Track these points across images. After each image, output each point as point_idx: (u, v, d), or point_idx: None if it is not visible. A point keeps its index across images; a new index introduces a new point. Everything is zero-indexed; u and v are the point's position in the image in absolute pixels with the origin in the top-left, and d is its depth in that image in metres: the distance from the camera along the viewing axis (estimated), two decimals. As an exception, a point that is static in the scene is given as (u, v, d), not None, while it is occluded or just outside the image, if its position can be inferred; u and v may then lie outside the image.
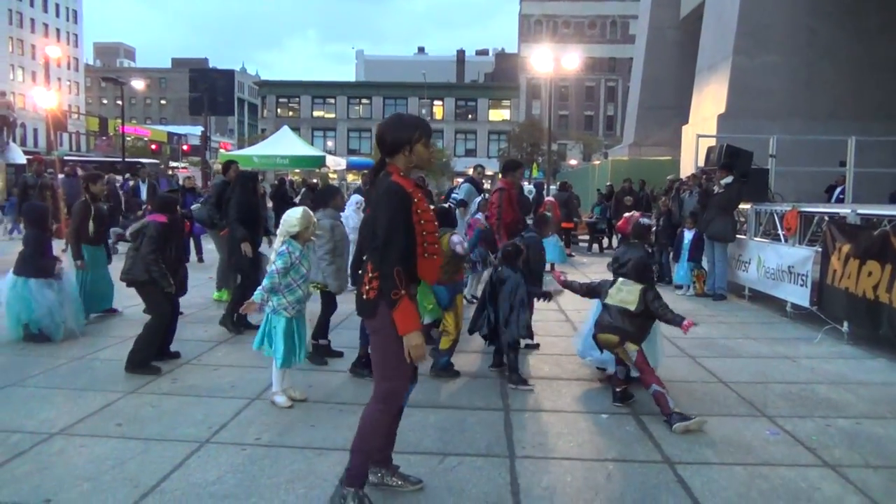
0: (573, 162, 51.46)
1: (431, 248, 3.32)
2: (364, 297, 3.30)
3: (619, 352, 5.04)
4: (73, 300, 6.84)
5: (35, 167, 12.10)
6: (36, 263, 6.57)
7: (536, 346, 6.73)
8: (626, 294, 5.05)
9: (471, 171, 10.59)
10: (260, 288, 4.99)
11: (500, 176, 8.62)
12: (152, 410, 4.80)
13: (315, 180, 19.78)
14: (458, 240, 5.88)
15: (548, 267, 13.10)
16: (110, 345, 6.57)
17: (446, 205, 7.96)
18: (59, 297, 6.58)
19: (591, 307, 5.90)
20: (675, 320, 4.89)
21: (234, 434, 4.40)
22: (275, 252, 5.04)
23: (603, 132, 65.04)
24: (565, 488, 3.74)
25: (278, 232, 5.10)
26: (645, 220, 5.62)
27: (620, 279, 5.16)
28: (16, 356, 6.11)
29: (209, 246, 11.54)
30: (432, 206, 6.59)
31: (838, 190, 14.16)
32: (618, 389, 5.18)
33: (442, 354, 5.82)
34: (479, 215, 8.55)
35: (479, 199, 9.15)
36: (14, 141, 24.87)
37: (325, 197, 6.39)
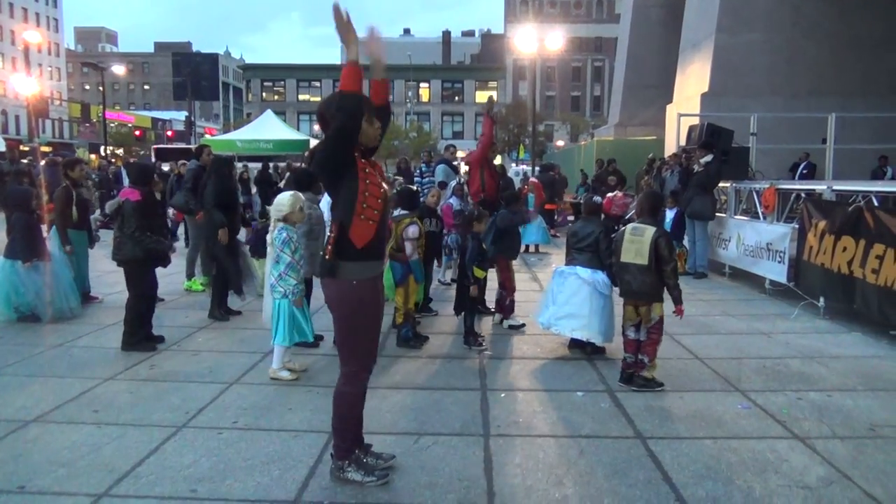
0: (560, 143, 51.37)
1: (369, 213, 3.26)
2: (325, 256, 3.30)
3: (641, 312, 4.98)
4: (66, 283, 6.96)
5: (10, 154, 11.99)
6: (24, 246, 6.69)
7: (522, 325, 6.82)
8: (640, 246, 4.90)
9: (446, 154, 10.47)
10: (291, 280, 5.11)
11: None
12: (130, 396, 4.81)
13: (300, 164, 19.68)
14: (413, 232, 5.96)
15: (531, 248, 13.27)
16: (89, 332, 6.55)
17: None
18: (47, 279, 6.71)
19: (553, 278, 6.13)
20: (675, 294, 4.89)
21: (211, 418, 4.42)
22: (272, 240, 5.10)
23: (590, 112, 64.97)
24: (538, 465, 3.79)
25: (272, 217, 5.20)
26: (596, 199, 6.16)
27: (631, 226, 5.09)
28: (-7, 345, 6.09)
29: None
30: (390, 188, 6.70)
31: (801, 166, 14.30)
32: (626, 371, 5.10)
33: (402, 327, 6.14)
34: (453, 199, 8.43)
35: (453, 182, 9.01)
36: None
37: (303, 180, 6.33)
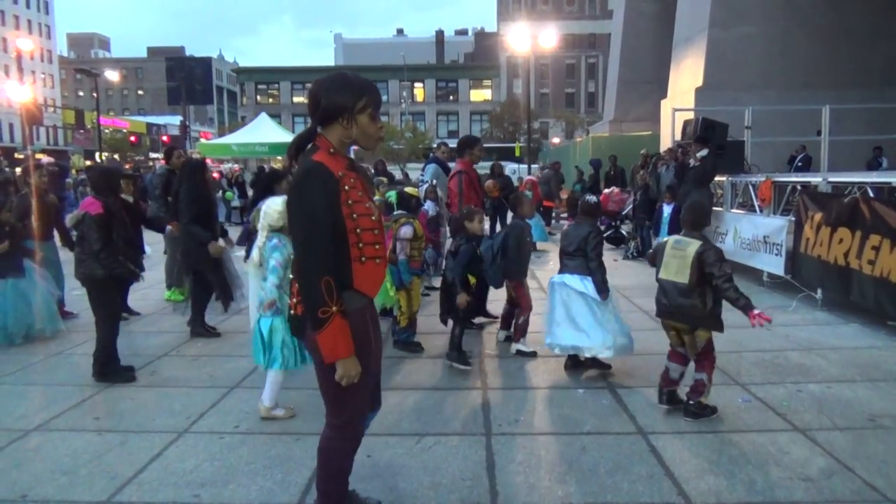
0: (556, 140, 51.43)
1: (370, 250, 2.57)
2: (292, 311, 2.68)
3: (686, 340, 4.42)
4: (40, 300, 6.50)
5: (25, 164, 11.93)
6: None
7: (532, 354, 5.91)
8: (682, 262, 4.27)
9: (437, 152, 9.60)
10: (271, 285, 4.38)
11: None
12: (130, 403, 4.81)
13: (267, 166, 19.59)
14: (406, 232, 5.76)
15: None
16: (88, 340, 6.50)
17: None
18: (27, 298, 6.33)
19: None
20: (742, 302, 4.09)
21: (213, 423, 4.42)
22: (259, 249, 4.51)
23: (584, 109, 65.00)
24: (540, 462, 3.80)
25: (259, 226, 4.57)
26: (591, 198, 5.57)
27: (673, 238, 4.50)
28: (-8, 354, 6.07)
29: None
30: (378, 197, 6.29)
31: (798, 159, 14.34)
32: (666, 388, 4.53)
33: (402, 331, 5.97)
34: (428, 205, 7.75)
35: (424, 185, 8.38)
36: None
37: (269, 182, 5.85)
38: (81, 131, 58.62)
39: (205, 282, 6.51)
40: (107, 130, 59.64)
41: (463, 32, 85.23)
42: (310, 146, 2.62)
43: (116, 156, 58.09)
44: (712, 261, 4.18)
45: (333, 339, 2.48)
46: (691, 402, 4.34)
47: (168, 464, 3.80)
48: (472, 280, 5.54)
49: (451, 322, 5.68)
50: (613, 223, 13.63)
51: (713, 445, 3.96)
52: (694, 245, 4.26)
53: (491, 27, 74.47)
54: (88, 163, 42.62)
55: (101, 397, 4.94)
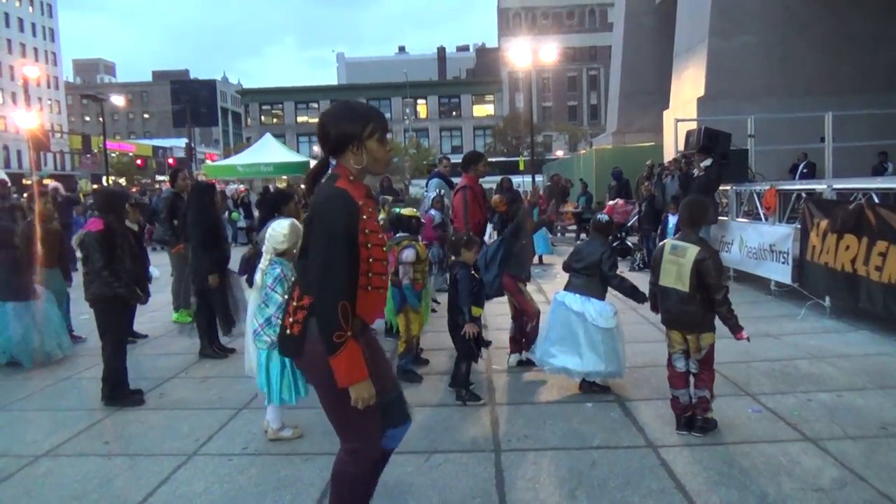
0: (559, 153, 51.52)
1: (377, 280, 2.61)
2: (287, 331, 2.63)
3: (690, 345, 4.31)
4: (54, 323, 6.62)
5: (1, 189, 12.04)
6: (10, 285, 6.38)
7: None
8: (680, 268, 4.21)
9: (440, 167, 9.68)
10: (267, 324, 4.32)
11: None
12: (139, 426, 4.81)
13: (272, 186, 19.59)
14: (409, 255, 5.59)
15: (535, 260, 13.26)
16: (97, 364, 6.51)
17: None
18: (35, 322, 6.38)
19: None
20: (731, 323, 4.17)
21: (221, 445, 4.42)
22: (263, 273, 4.39)
23: (587, 121, 65.17)
24: (549, 478, 3.78)
25: (264, 249, 4.50)
26: (603, 217, 5.45)
27: (670, 243, 4.42)
28: (1, 380, 6.09)
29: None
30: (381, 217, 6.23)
31: (801, 166, 14.31)
32: (683, 415, 4.35)
33: (401, 357, 5.76)
34: (433, 212, 7.80)
35: (432, 194, 8.38)
36: (-4, 164, 24.76)
37: (276, 203, 5.68)
38: (88, 156, 59.18)
39: (211, 304, 6.53)
40: (113, 154, 60.10)
41: (464, 49, 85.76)
42: (329, 174, 2.65)
43: (123, 179, 58.52)
44: (711, 271, 4.15)
45: (349, 364, 2.48)
46: (699, 419, 4.31)
47: (177, 487, 3.80)
48: (479, 311, 5.31)
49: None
50: (619, 235, 13.61)
51: (724, 457, 3.94)
52: (692, 251, 4.18)
53: (492, 43, 74.93)
54: (95, 187, 42.95)
55: (110, 421, 4.95)
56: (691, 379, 4.38)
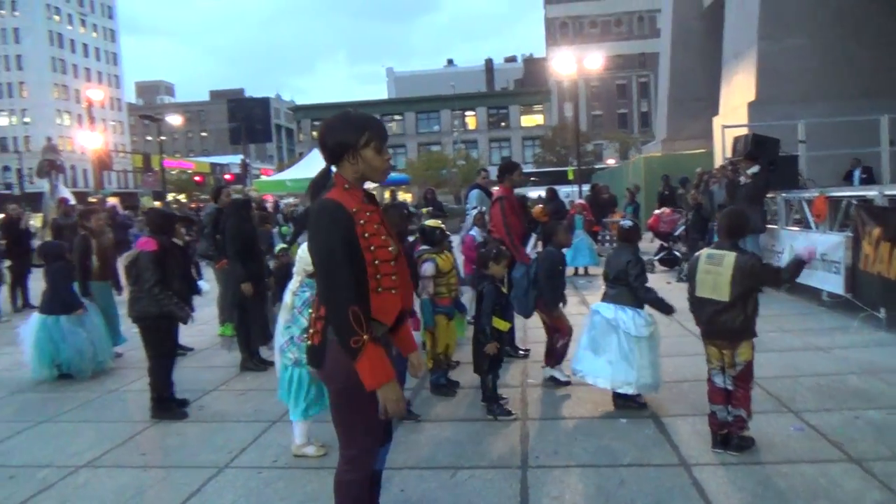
0: (610, 161, 50.87)
1: (387, 281, 2.64)
2: (309, 342, 2.72)
3: (726, 359, 4.17)
4: (100, 335, 6.88)
5: (63, 208, 12.57)
6: (62, 300, 6.65)
7: (566, 383, 5.73)
8: (717, 277, 4.07)
9: (479, 179, 9.41)
10: (291, 342, 4.41)
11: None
12: (177, 439, 4.93)
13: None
14: (428, 269, 5.52)
15: (581, 271, 13.09)
16: (143, 377, 6.72)
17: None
18: (88, 334, 6.65)
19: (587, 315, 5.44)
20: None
21: (252, 458, 4.48)
22: (293, 294, 4.43)
23: (638, 129, 64.20)
24: (575, 496, 3.70)
25: (294, 270, 4.54)
26: (626, 223, 5.39)
27: (706, 252, 4.28)
28: (52, 392, 6.33)
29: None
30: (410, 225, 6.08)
31: (857, 172, 13.73)
32: (720, 432, 4.22)
33: (432, 373, 5.71)
34: (475, 231, 7.66)
35: (473, 211, 8.27)
36: (64, 183, 25.88)
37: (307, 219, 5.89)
38: (149, 174, 61.34)
39: (249, 318, 6.67)
40: (173, 172, 62.17)
41: (512, 59, 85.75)
42: (328, 184, 2.70)
43: (182, 196, 60.40)
44: (758, 272, 4.05)
45: (371, 366, 2.50)
46: (734, 437, 4.15)
47: (206, 499, 3.87)
48: (504, 326, 5.17)
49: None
50: (666, 244, 13.34)
51: (759, 478, 3.79)
52: (730, 258, 4.04)
53: (540, 53, 74.73)
54: (157, 203, 44.46)
55: (150, 433, 5.09)
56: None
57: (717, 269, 4.09)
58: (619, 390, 5.03)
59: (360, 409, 2.63)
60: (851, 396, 5.05)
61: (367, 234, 2.59)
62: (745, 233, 4.48)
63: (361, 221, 2.59)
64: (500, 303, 5.15)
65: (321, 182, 2.72)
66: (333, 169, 2.71)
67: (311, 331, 2.71)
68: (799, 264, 4.17)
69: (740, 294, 4.02)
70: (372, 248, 2.59)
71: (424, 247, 5.81)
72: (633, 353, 4.94)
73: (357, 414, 2.65)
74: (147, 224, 5.95)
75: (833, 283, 7.92)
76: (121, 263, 6.77)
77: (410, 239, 6.28)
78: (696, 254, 4.46)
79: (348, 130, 2.66)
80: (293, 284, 4.51)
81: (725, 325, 4.10)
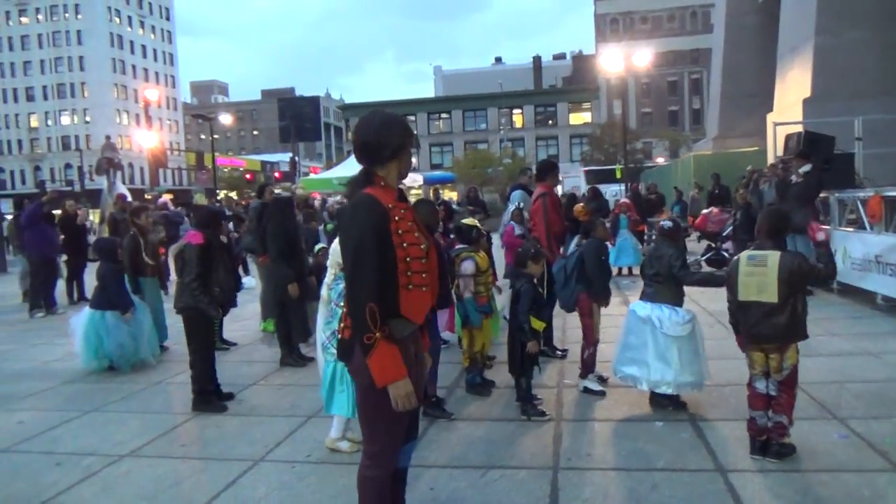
0: (660, 160, 49.93)
1: (418, 279, 2.66)
2: (340, 335, 2.79)
3: (771, 366, 4.03)
4: (147, 331, 7.06)
5: (120, 203, 12.98)
6: (110, 297, 6.85)
7: (601, 392, 5.55)
8: (763, 278, 3.95)
9: (522, 179, 9.33)
10: (333, 337, 4.37)
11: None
12: (216, 431, 5.04)
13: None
14: (468, 267, 5.50)
15: (625, 270, 12.89)
16: (185, 370, 6.90)
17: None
18: (132, 330, 6.84)
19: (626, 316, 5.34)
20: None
21: (287, 452, 4.56)
22: (328, 288, 4.50)
23: (689, 126, 62.79)
24: (605, 499, 3.65)
25: (328, 263, 4.60)
26: (667, 223, 5.28)
27: (746, 254, 4.17)
28: (100, 382, 6.55)
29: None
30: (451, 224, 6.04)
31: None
32: (758, 438, 4.10)
33: (468, 372, 5.71)
34: (514, 225, 7.68)
35: (511, 207, 8.17)
36: (122, 180, 26.79)
37: None
38: (202, 171, 62.93)
39: (289, 314, 6.77)
40: (225, 170, 63.58)
41: (560, 57, 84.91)
42: (361, 182, 2.76)
43: (234, 193, 61.78)
44: (806, 271, 3.94)
45: (381, 363, 2.56)
46: (774, 444, 4.02)
47: (240, 492, 3.95)
48: (540, 325, 5.13)
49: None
50: (714, 244, 13.03)
51: (798, 486, 3.67)
52: (774, 257, 3.92)
53: (589, 50, 73.79)
54: (206, 200, 45.53)
55: (190, 425, 5.22)
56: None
57: (762, 269, 3.97)
58: (657, 390, 4.95)
59: (384, 406, 2.63)
60: (902, 404, 4.84)
61: (400, 231, 2.64)
62: (786, 232, 4.34)
63: (396, 218, 2.65)
64: (537, 302, 5.11)
65: (363, 181, 2.75)
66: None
67: (341, 325, 2.76)
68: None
69: (789, 294, 3.89)
70: (405, 244, 2.64)
71: (461, 246, 5.80)
72: (669, 351, 4.87)
73: (381, 411, 2.67)
74: (195, 220, 6.10)
75: (889, 287, 7.62)
76: (171, 255, 6.97)
77: (450, 236, 6.29)
78: (735, 258, 4.34)
79: (398, 131, 2.76)
80: (328, 278, 4.56)
81: (776, 328, 3.95)
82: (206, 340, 5.73)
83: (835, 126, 11.78)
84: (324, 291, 4.60)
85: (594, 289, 5.60)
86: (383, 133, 2.74)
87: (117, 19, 79.17)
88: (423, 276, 2.70)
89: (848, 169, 10.34)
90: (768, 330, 3.97)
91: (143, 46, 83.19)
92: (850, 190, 9.55)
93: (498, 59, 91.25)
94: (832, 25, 16.61)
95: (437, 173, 51.63)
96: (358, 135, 2.77)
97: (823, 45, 16.76)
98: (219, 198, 40.17)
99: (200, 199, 54.42)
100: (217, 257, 5.76)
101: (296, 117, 71.95)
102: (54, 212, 11.91)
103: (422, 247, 2.71)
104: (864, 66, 16.16)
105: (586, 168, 42.13)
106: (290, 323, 6.87)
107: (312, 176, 34.92)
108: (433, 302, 2.84)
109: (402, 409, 2.61)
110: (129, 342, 6.81)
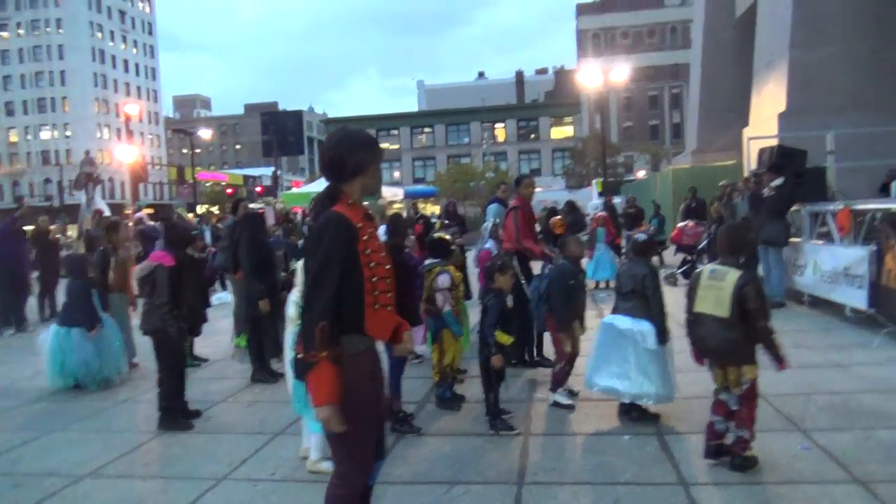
0: (641, 173, 50.35)
1: (384, 298, 2.68)
2: (298, 354, 2.77)
3: (731, 379, 4.06)
4: (115, 349, 6.95)
5: (96, 219, 12.87)
6: (77, 314, 6.74)
7: (570, 406, 5.49)
8: (720, 293, 3.99)
9: (499, 192, 9.05)
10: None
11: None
12: (180, 449, 4.97)
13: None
14: (444, 281, 5.43)
15: (602, 284, 12.93)
16: (153, 388, 6.81)
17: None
18: (98, 347, 6.72)
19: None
20: (774, 353, 3.94)
21: (251, 470, 4.50)
22: (296, 305, 4.35)
23: (670, 140, 63.49)
24: (567, 515, 3.64)
25: (296, 281, 4.50)
26: (641, 236, 5.33)
27: (709, 268, 4.25)
28: (66, 401, 6.44)
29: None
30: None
31: (894, 184, 13.33)
32: (713, 442, 4.17)
33: (438, 387, 5.68)
34: (491, 244, 7.76)
35: (488, 224, 8.13)
36: (100, 195, 26.55)
37: None
38: (184, 186, 62.61)
39: (261, 330, 6.71)
40: (207, 184, 63.32)
41: (543, 71, 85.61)
42: (328, 199, 2.76)
43: (216, 207, 61.43)
44: (753, 297, 3.91)
45: (317, 384, 2.56)
46: (737, 457, 4.04)
47: (200, 511, 3.90)
48: (507, 339, 5.03)
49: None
50: (689, 258, 13.13)
51: (758, 499, 3.69)
52: (732, 275, 3.96)
53: (571, 64, 74.49)
54: (191, 215, 45.28)
55: (154, 444, 5.15)
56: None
57: (719, 284, 4.02)
58: (639, 402, 4.96)
59: (349, 423, 2.60)
60: (865, 416, 4.88)
61: (368, 251, 2.66)
62: (745, 249, 4.40)
63: (364, 237, 2.66)
64: (504, 316, 5.08)
65: (330, 199, 2.75)
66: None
67: (298, 343, 2.74)
68: (776, 354, 3.98)
69: (741, 312, 3.92)
70: (372, 264, 2.65)
71: (432, 260, 5.76)
72: (651, 364, 4.90)
73: (347, 428, 2.61)
74: (166, 238, 5.99)
75: (856, 298, 7.70)
76: (135, 275, 6.88)
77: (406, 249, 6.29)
78: (698, 270, 4.38)
79: (365, 148, 2.76)
80: (294, 295, 4.51)
81: (724, 342, 4.01)
82: (175, 358, 5.65)
83: (809, 140, 11.93)
84: (290, 308, 4.54)
85: (556, 316, 5.58)
86: (345, 149, 2.75)
87: (100, 34, 78.82)
88: (388, 295, 2.71)
89: (820, 182, 10.46)
90: (716, 343, 4.04)
91: (126, 61, 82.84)
92: (819, 203, 9.67)
93: (481, 74, 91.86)
94: (807, 40, 16.87)
95: (420, 187, 51.73)
96: (322, 151, 2.80)
97: (798, 59, 17.02)
98: (199, 213, 39.96)
99: (182, 213, 54.15)
100: (187, 277, 5.69)
101: (278, 131, 71.51)
102: (26, 227, 11.76)
103: (387, 266, 2.73)
104: (837, 81, 16.41)
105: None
106: (262, 339, 6.81)
107: (294, 190, 34.85)
108: (398, 319, 2.84)
109: (331, 432, 2.60)
110: (95, 360, 6.68)
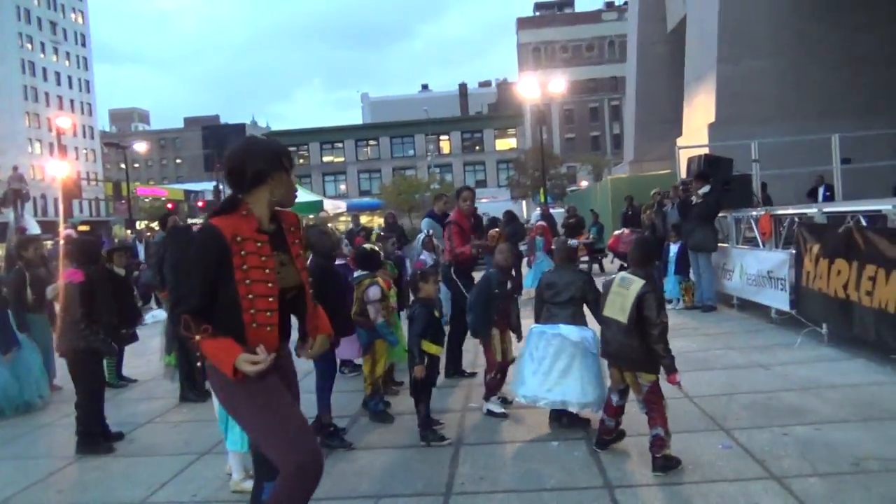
0: (583, 183, 51.34)
1: (262, 317, 2.58)
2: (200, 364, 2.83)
3: (629, 381, 4.24)
4: (35, 371, 6.65)
5: (20, 238, 12.33)
6: None
7: (503, 415, 5.51)
8: (624, 300, 4.12)
9: (436, 205, 9.15)
10: None
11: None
12: (98, 474, 4.78)
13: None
14: (374, 293, 5.36)
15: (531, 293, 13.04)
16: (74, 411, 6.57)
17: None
18: (15, 370, 6.41)
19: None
20: (666, 363, 4.03)
21: (171, 493, 4.35)
22: None
23: (610, 151, 64.99)
24: (492, 523, 3.63)
25: None
26: (572, 242, 5.42)
27: (620, 275, 4.34)
28: (-19, 428, 6.13)
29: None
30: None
31: (821, 189, 13.95)
32: (602, 437, 4.47)
33: (370, 399, 5.59)
34: (425, 255, 7.77)
35: (421, 235, 8.10)
36: (29, 212, 25.51)
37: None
38: (121, 202, 60.78)
39: (189, 348, 6.50)
40: (146, 199, 61.63)
41: (486, 84, 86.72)
42: (211, 210, 2.76)
43: (156, 223, 59.87)
44: (651, 306, 4.05)
45: (215, 350, 2.53)
46: (658, 457, 4.09)
47: (114, 537, 3.74)
48: (435, 349, 4.98)
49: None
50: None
51: (679, 498, 3.75)
52: (637, 284, 4.10)
53: (513, 77, 75.60)
54: (129, 231, 43.95)
55: (72, 469, 4.93)
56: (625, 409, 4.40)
57: (625, 291, 4.18)
58: (587, 409, 4.92)
59: (250, 398, 2.59)
60: (784, 413, 5.03)
61: (246, 266, 2.56)
62: (652, 261, 4.62)
63: (242, 252, 2.56)
64: (431, 326, 5.04)
65: (223, 208, 2.69)
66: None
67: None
68: (667, 365, 4.08)
69: (637, 321, 4.06)
70: (248, 281, 2.56)
71: (360, 273, 5.69)
72: (588, 371, 4.90)
73: (249, 405, 2.61)
74: (71, 255, 5.68)
75: (780, 300, 7.98)
76: (49, 295, 6.61)
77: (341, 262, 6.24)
78: (611, 276, 4.50)
79: (270, 156, 2.70)
80: None
81: (624, 348, 4.17)
82: (94, 379, 5.42)
83: (736, 149, 12.38)
84: None
85: (474, 325, 5.61)
86: (244, 158, 2.68)
87: (29, 45, 76.00)
88: (268, 314, 2.60)
89: (746, 189, 10.84)
90: (616, 348, 4.22)
91: (58, 73, 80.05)
92: (743, 210, 10.01)
93: (425, 87, 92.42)
94: (733, 55, 17.56)
95: (364, 200, 51.50)
96: (236, 159, 2.70)
97: (725, 73, 17.69)
98: (138, 228, 38.83)
99: (120, 230, 52.54)
100: (101, 294, 5.42)
101: (220, 145, 70.26)
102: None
103: (269, 284, 2.61)
104: (762, 93, 17.12)
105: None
106: (191, 356, 6.61)
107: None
108: (285, 339, 2.79)
109: (248, 372, 2.49)
110: (13, 383, 6.37)
